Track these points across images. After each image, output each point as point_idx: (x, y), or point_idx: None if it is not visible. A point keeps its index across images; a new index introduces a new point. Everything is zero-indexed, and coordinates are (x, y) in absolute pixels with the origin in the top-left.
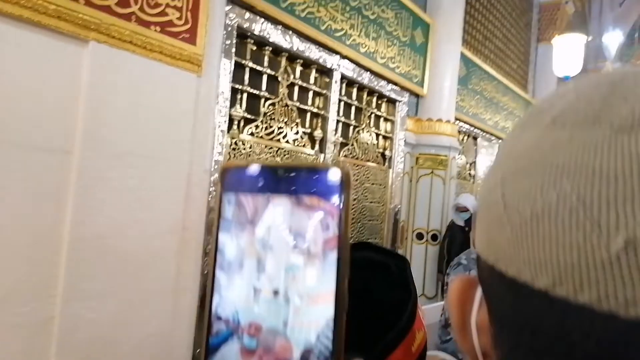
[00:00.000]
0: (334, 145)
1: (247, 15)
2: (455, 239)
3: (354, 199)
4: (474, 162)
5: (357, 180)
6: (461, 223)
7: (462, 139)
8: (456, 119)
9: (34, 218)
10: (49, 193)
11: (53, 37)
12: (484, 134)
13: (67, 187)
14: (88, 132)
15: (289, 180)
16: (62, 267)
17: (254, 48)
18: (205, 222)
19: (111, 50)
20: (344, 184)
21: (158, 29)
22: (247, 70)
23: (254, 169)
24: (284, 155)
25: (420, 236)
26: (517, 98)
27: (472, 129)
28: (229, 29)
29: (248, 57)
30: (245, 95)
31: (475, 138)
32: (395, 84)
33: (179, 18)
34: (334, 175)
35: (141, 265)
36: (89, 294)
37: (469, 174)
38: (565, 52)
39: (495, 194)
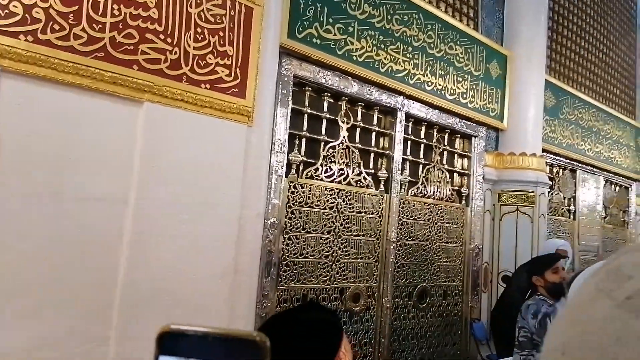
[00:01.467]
0: (400, 185)
1: (303, 65)
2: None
3: (427, 239)
4: (574, 197)
5: (428, 219)
6: None
7: (556, 173)
8: (546, 151)
9: (91, 263)
10: (106, 239)
11: (110, 100)
12: (584, 166)
13: (122, 233)
14: (142, 183)
15: (217, 346)
16: (115, 309)
17: (313, 95)
18: (260, 265)
19: (164, 109)
20: (262, 355)
21: (208, 86)
22: (306, 116)
23: (188, 333)
24: (346, 196)
25: (506, 279)
26: (623, 125)
27: (568, 161)
28: (285, 79)
29: (306, 103)
30: (304, 140)
31: (573, 171)
32: (469, 119)
33: (228, 75)
34: (252, 346)
35: (194, 308)
36: (141, 335)
37: (567, 210)
38: None
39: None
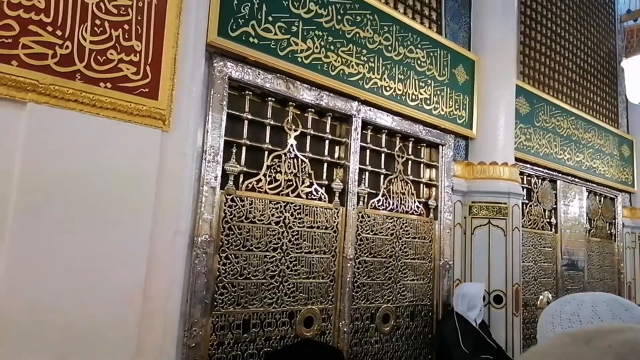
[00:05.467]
0: (358, 197)
1: (240, 66)
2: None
3: (390, 256)
4: (555, 209)
5: (392, 234)
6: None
7: (534, 183)
8: (522, 160)
9: None
10: None
11: None
12: (564, 176)
13: None
14: (23, 196)
15: None
16: None
17: (256, 100)
18: (183, 289)
19: (52, 110)
20: None
21: (109, 85)
22: (246, 122)
23: None
24: (294, 209)
25: (499, 299)
26: (606, 133)
27: (547, 171)
28: (218, 81)
29: (247, 109)
30: (244, 149)
31: (553, 181)
32: (435, 126)
33: (135, 73)
34: None
35: (91, 343)
36: None
37: (548, 222)
38: (639, 76)
39: None
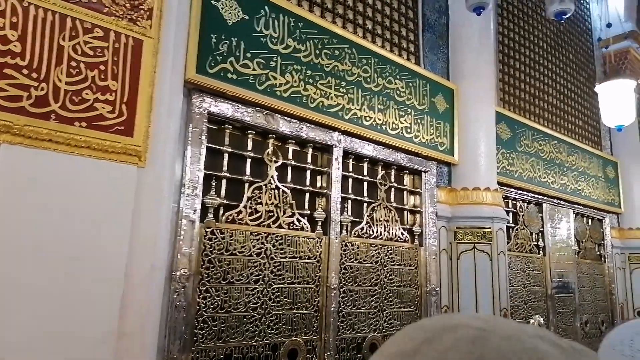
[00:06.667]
0: (341, 225)
1: (219, 101)
2: None
3: (375, 284)
4: (542, 232)
5: (376, 262)
6: None
7: (520, 207)
8: (505, 185)
9: None
10: None
11: None
12: (550, 199)
13: None
14: None
15: None
16: None
17: (236, 133)
18: (161, 324)
19: (26, 150)
20: None
21: (84, 124)
22: (226, 155)
23: None
24: (276, 240)
25: None
26: (589, 156)
27: (532, 195)
28: (197, 116)
29: (226, 142)
30: (224, 182)
31: (538, 204)
32: (417, 154)
33: (111, 111)
34: None
35: None
36: None
37: (536, 245)
38: (613, 100)
39: None
